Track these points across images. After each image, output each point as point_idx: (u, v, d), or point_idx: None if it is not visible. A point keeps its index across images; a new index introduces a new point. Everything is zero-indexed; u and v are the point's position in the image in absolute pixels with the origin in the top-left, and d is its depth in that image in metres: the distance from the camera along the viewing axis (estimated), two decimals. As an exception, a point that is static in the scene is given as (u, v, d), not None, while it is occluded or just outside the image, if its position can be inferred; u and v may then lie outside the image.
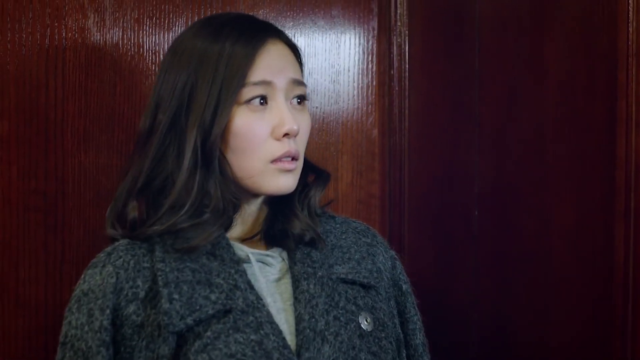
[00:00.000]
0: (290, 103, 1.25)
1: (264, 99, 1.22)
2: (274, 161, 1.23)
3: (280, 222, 1.30)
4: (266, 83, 1.21)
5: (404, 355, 1.36)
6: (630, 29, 1.33)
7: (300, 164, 1.27)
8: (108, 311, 1.17)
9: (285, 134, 1.22)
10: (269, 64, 1.23)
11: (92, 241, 1.57)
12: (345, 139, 1.87)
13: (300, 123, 1.24)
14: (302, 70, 1.33)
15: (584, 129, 1.44)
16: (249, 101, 1.21)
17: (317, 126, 1.84)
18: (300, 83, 1.27)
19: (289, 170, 1.24)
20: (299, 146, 1.25)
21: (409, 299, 1.40)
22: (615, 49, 1.34)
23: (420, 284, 1.67)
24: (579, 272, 1.45)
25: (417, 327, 1.40)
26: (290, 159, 1.23)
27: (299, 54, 1.33)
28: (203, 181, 1.21)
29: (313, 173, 1.37)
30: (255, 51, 1.22)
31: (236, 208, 1.26)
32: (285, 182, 1.24)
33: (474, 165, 1.74)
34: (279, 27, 1.38)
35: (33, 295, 1.59)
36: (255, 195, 1.28)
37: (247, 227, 1.30)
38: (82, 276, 1.23)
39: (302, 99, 1.27)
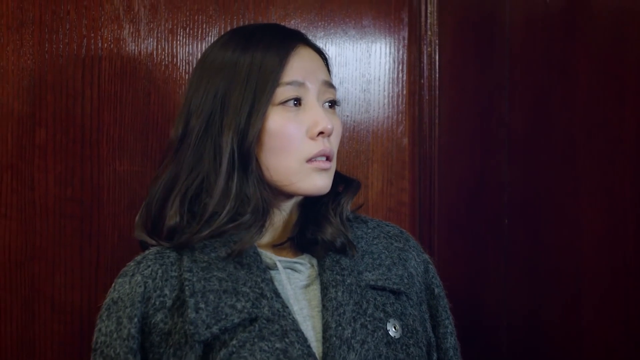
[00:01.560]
0: (322, 106, 1.26)
1: (297, 101, 1.23)
2: (309, 160, 1.24)
3: (311, 229, 1.31)
4: (299, 84, 1.23)
5: (435, 358, 1.35)
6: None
7: (334, 164, 1.28)
8: (136, 319, 1.18)
9: (320, 133, 1.23)
10: (301, 65, 1.25)
11: (127, 248, 1.57)
12: (375, 148, 1.87)
13: (333, 123, 1.26)
14: (330, 76, 1.34)
15: (614, 136, 1.44)
16: (283, 102, 1.22)
17: (347, 134, 1.83)
18: (330, 85, 1.29)
19: (324, 170, 1.25)
20: (332, 146, 1.27)
21: (441, 303, 1.39)
22: None
23: (451, 292, 1.65)
24: (611, 282, 1.44)
25: (449, 330, 1.39)
26: (324, 158, 1.24)
27: (327, 61, 1.35)
28: (241, 184, 1.22)
29: (343, 183, 1.38)
30: (287, 54, 1.24)
31: (268, 211, 1.26)
32: (321, 181, 1.25)
33: (504, 173, 1.73)
34: (310, 37, 1.39)
35: (69, 301, 1.61)
36: (289, 197, 1.29)
37: (277, 233, 1.31)
38: (113, 285, 1.25)
39: (333, 103, 1.29)
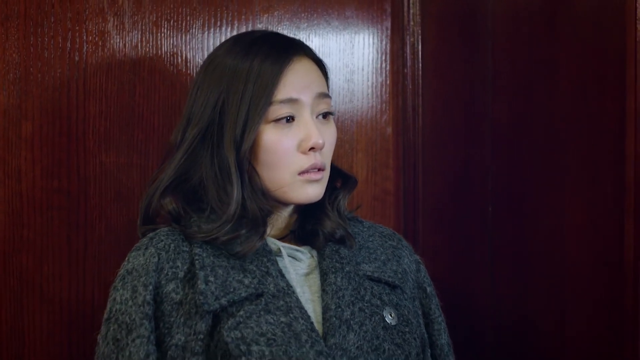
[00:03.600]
0: (316, 117, 1.30)
1: (290, 117, 1.27)
2: (301, 173, 1.29)
3: (311, 222, 1.36)
4: (292, 100, 1.27)
5: (429, 354, 1.40)
6: (638, 27, 1.34)
7: (326, 173, 1.33)
8: (150, 287, 1.24)
9: (312, 148, 1.27)
10: (296, 80, 1.29)
11: (114, 238, 1.60)
12: (359, 137, 1.88)
13: (325, 136, 1.30)
14: (327, 84, 1.38)
15: (595, 126, 1.45)
16: (276, 120, 1.26)
17: None
18: (325, 96, 1.32)
19: (315, 181, 1.30)
20: (324, 158, 1.31)
21: (434, 301, 1.45)
22: (624, 48, 1.36)
23: (436, 279, 1.67)
24: (591, 269, 1.47)
25: (442, 327, 1.44)
26: (316, 170, 1.29)
27: (325, 68, 1.38)
28: (239, 194, 1.28)
29: (340, 178, 1.43)
30: (281, 70, 1.28)
31: (269, 214, 1.31)
32: (312, 191, 1.31)
33: (488, 162, 1.75)
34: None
35: (57, 291, 1.62)
36: (286, 204, 1.34)
37: (279, 229, 1.37)
38: (126, 258, 1.30)
39: (327, 114, 1.33)
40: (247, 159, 1.28)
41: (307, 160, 1.29)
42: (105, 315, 1.28)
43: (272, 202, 1.32)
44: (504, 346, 1.74)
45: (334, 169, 1.41)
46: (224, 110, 1.28)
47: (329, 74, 1.40)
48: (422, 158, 1.91)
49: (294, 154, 1.28)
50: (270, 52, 1.29)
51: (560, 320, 1.56)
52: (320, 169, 1.30)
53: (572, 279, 1.52)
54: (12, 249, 1.61)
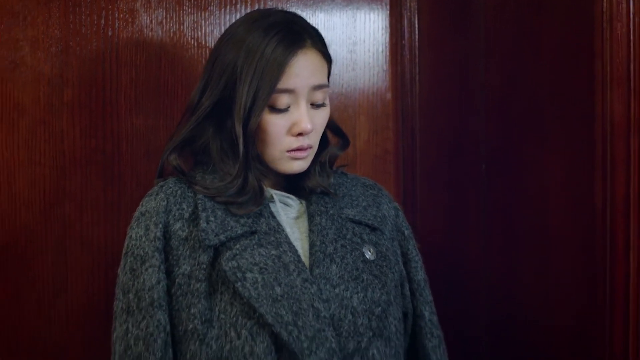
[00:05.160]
0: (309, 106, 1.38)
1: (288, 106, 1.36)
2: (289, 151, 1.38)
3: (299, 178, 1.46)
4: (290, 91, 1.34)
5: (407, 288, 1.50)
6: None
7: (313, 150, 1.42)
8: (160, 226, 1.35)
9: (300, 133, 1.37)
10: (298, 72, 1.34)
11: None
12: (362, 102, 1.93)
13: (316, 120, 1.39)
14: (329, 69, 1.43)
15: (572, 90, 1.50)
16: (276, 108, 1.35)
17: (337, 91, 1.90)
18: (321, 87, 1.38)
19: (300, 158, 1.39)
20: (312, 139, 1.40)
21: (411, 242, 1.54)
22: (592, 19, 1.42)
23: (431, 235, 1.76)
24: (569, 214, 1.52)
25: (419, 265, 1.53)
26: (302, 150, 1.38)
27: (329, 57, 1.43)
28: (242, 164, 1.37)
29: (337, 136, 1.52)
30: (288, 61, 1.33)
31: (263, 191, 1.40)
32: (297, 166, 1.40)
33: (481, 125, 1.80)
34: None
35: (95, 236, 1.73)
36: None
37: (272, 182, 1.46)
38: (141, 203, 1.41)
39: (320, 105, 1.40)
40: (252, 137, 1.35)
41: (295, 142, 1.37)
42: (124, 251, 1.38)
43: (267, 168, 1.41)
44: (495, 298, 1.78)
45: (333, 126, 1.50)
46: (236, 88, 1.34)
47: (332, 62, 1.44)
48: (420, 121, 1.95)
49: (284, 136, 1.37)
50: (284, 39, 1.34)
51: (545, 266, 1.61)
52: (306, 149, 1.39)
53: (555, 228, 1.57)
54: (56, 200, 1.70)
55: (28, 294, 1.72)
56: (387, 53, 1.96)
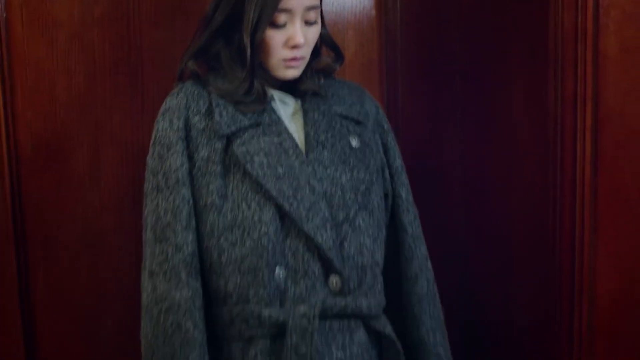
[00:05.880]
0: (302, 24, 1.52)
1: (285, 23, 1.51)
2: (284, 60, 1.54)
3: (294, 83, 1.60)
4: (288, 10, 1.49)
5: (387, 173, 1.67)
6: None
7: (305, 60, 1.56)
8: (182, 119, 1.53)
9: (294, 46, 1.53)
10: None
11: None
12: (349, 18, 2.04)
13: (308, 35, 1.53)
14: None
15: (532, 71, 1.70)
16: (275, 24, 1.50)
17: (329, 9, 1.99)
18: (313, 7, 1.52)
19: (294, 66, 1.55)
20: (304, 51, 1.54)
21: (390, 135, 1.71)
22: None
23: (412, 127, 1.95)
24: (528, 125, 1.73)
25: (397, 154, 1.70)
26: (295, 60, 1.54)
27: None
28: (249, 71, 1.53)
29: (333, 50, 1.66)
30: None
31: (266, 95, 1.56)
32: (290, 73, 1.56)
33: (458, 46, 1.95)
34: None
35: (122, 134, 1.91)
36: None
37: (272, 87, 1.60)
38: (164, 101, 1.56)
39: (312, 23, 1.54)
40: (257, 48, 1.50)
41: (289, 54, 1.53)
42: (152, 141, 1.54)
43: (268, 74, 1.56)
44: (470, 192, 1.96)
45: (332, 45, 1.64)
46: (245, 6, 1.48)
47: None
48: (401, 34, 2.07)
49: (281, 48, 1.52)
50: None
51: (510, 163, 1.83)
52: (299, 59, 1.54)
53: (519, 141, 1.77)
54: (89, 103, 1.87)
55: (67, 184, 1.89)
56: (372, -25, 2.02)
